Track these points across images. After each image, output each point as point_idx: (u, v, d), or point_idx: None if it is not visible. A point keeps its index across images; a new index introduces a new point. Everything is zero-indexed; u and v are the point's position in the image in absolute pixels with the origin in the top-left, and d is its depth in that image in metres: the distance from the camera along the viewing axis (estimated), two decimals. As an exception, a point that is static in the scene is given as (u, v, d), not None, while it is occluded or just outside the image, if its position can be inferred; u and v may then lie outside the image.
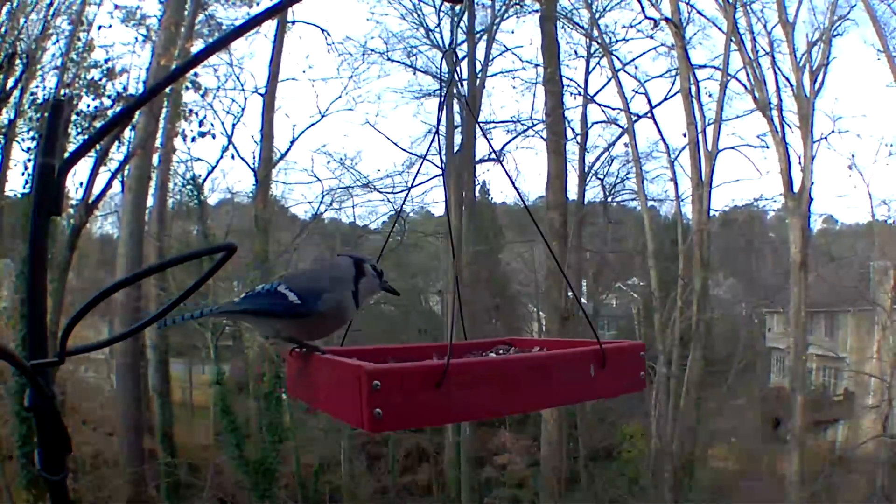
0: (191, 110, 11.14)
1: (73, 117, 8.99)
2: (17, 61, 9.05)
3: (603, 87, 13.86)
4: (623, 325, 17.90)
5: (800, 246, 11.43)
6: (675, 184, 13.06)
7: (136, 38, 10.83)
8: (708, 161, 12.09)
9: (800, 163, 11.58)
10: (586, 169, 13.97)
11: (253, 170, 12.66)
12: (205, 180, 12.23)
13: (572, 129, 13.59)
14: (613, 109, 13.75)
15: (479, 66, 13.73)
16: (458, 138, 13.68)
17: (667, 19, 12.20)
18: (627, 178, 14.09)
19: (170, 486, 11.15)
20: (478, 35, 13.77)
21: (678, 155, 12.95)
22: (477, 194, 15.26)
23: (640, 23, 12.75)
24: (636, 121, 13.29)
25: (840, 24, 11.66)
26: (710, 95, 12.52)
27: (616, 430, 13.77)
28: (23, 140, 9.33)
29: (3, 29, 9.04)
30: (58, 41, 9.85)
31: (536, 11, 12.99)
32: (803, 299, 11.48)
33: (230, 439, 10.67)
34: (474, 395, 1.06)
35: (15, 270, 8.76)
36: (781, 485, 11.44)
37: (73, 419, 10.01)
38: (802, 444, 11.11)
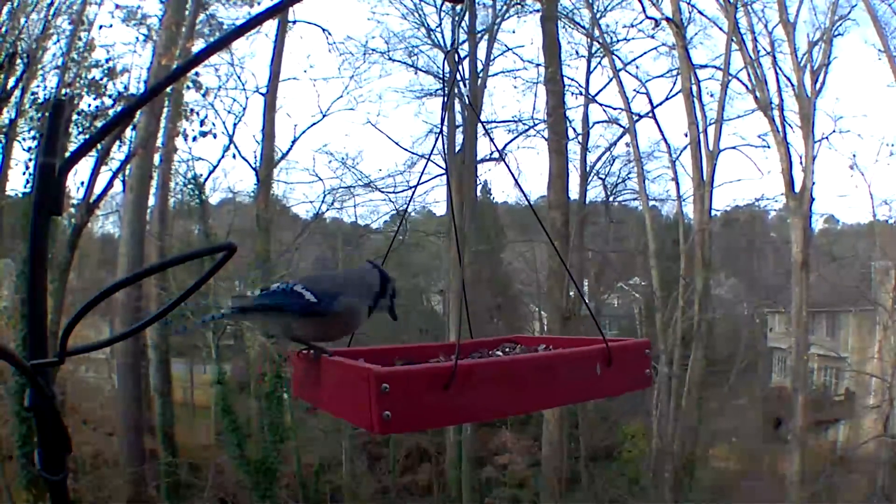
0: (192, 110, 11.16)
1: (74, 117, 9.00)
2: (18, 61, 9.06)
3: (604, 87, 13.93)
4: (625, 324, 17.93)
5: (801, 246, 11.43)
6: (677, 183, 13.09)
7: (137, 38, 10.87)
8: (709, 161, 12.10)
9: (801, 163, 11.60)
10: (588, 169, 14.02)
11: (254, 169, 12.71)
12: (206, 180, 12.24)
13: (574, 129, 13.63)
14: (615, 109, 13.80)
15: (480, 66, 13.73)
16: (458, 138, 13.69)
17: (668, 19, 12.19)
18: (629, 178, 14.15)
19: (170, 485, 11.13)
20: (479, 35, 13.76)
21: (679, 155, 12.99)
22: (478, 194, 15.28)
23: (641, 22, 12.78)
24: (637, 120, 13.33)
25: (841, 24, 11.69)
26: (711, 95, 12.58)
27: (617, 429, 13.79)
28: (24, 140, 9.36)
29: (3, 28, 9.04)
30: (59, 41, 9.88)
31: (537, 11, 12.98)
32: (805, 299, 11.47)
33: (231, 439, 10.66)
34: (482, 397, 1.05)
35: (15, 270, 8.75)
36: (782, 485, 11.43)
37: (73, 419, 10.00)
38: (803, 444, 11.10)
